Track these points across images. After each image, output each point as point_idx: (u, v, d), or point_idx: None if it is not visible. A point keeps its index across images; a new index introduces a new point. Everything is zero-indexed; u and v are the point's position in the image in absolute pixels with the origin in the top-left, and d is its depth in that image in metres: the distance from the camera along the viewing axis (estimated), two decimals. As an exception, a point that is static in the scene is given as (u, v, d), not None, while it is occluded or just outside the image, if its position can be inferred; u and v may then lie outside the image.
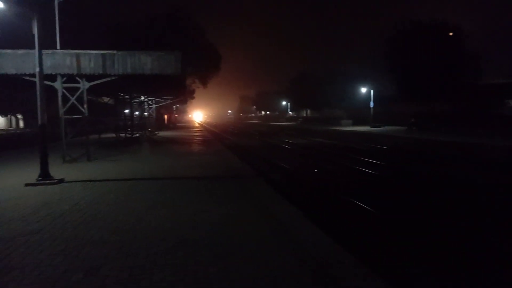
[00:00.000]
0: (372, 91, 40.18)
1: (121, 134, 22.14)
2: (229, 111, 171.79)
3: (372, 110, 40.56)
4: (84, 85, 13.58)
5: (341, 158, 18.29)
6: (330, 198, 9.84)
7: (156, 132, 31.49)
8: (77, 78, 13.66)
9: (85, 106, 13.60)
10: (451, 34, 32.19)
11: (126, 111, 36.45)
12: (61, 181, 9.28)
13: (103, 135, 20.21)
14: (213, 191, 8.24)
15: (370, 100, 40.42)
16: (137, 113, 33.00)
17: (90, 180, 9.55)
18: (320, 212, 8.41)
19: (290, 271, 4.10)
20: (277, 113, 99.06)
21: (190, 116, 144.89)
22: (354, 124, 47.37)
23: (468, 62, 30.96)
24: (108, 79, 13.52)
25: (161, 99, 31.94)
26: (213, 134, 38.24)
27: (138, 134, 24.24)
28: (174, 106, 60.95)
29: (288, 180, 12.56)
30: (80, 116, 13.87)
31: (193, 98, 57.25)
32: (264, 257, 4.48)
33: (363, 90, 43.43)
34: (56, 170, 10.35)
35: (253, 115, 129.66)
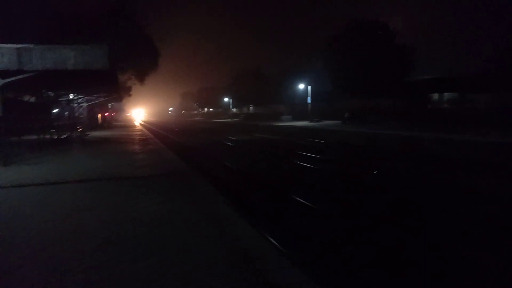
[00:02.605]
0: (309, 88, 41.72)
1: (46, 136, 20.40)
2: (170, 109, 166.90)
3: (310, 105, 42.17)
4: (-3, 82, 12.29)
5: (277, 151, 18.90)
6: (267, 192, 10.09)
7: (88, 133, 29.57)
8: (-12, 74, 12.31)
9: (0, 105, 12.31)
10: (380, 32, 34.55)
11: (56, 110, 33.63)
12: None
13: (25, 137, 18.44)
14: (145, 191, 7.98)
15: (308, 96, 41.97)
16: (67, 112, 30.67)
17: (2, 187, 8.68)
18: (255, 206, 8.58)
19: (218, 268, 4.10)
20: (220, 109, 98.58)
21: (129, 114, 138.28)
22: (294, 119, 48.96)
23: (398, 58, 33.44)
24: (26, 75, 12.38)
25: (93, 97, 29.99)
26: (151, 132, 36.95)
27: (65, 135, 22.51)
28: (110, 104, 57.71)
29: (227, 176, 12.61)
30: (-6, 117, 12.52)
31: (130, 95, 54.72)
32: (191, 254, 4.45)
33: (302, 86, 44.97)
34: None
35: (195, 112, 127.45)
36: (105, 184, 8.87)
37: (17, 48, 11.97)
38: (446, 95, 33.65)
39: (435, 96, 34.37)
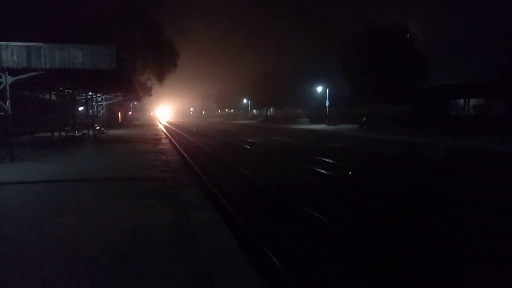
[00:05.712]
0: (327, 91, 40.92)
1: (61, 133, 20.72)
2: (191, 109, 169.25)
3: (327, 109, 41.34)
4: (7, 80, 12.46)
5: (292, 157, 18.40)
6: (272, 203, 9.67)
7: (106, 131, 30.00)
8: (-1, 72, 12.50)
9: (8, 102, 12.48)
10: (408, 35, 33.34)
11: (81, 108, 34.35)
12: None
13: (39, 135, 18.77)
14: (138, 195, 7.67)
15: (326, 99, 41.17)
16: (91, 111, 31.31)
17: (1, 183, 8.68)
18: (255, 216, 8.19)
19: None
20: (240, 111, 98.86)
21: (151, 113, 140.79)
22: (312, 122, 48.19)
23: (416, 64, 32.27)
24: (35, 73, 12.50)
25: (111, 95, 30.43)
26: (168, 132, 37.24)
27: (80, 133, 22.83)
28: (131, 103, 58.80)
29: (232, 183, 12.29)
30: (3, 114, 12.74)
31: (150, 95, 55.53)
32: (153, 272, 4.11)
33: (319, 89, 44.29)
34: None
35: (216, 113, 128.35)
36: (103, 185, 8.69)
37: (27, 47, 12.08)
38: (471, 101, 32.03)
39: (460, 102, 32.80)
